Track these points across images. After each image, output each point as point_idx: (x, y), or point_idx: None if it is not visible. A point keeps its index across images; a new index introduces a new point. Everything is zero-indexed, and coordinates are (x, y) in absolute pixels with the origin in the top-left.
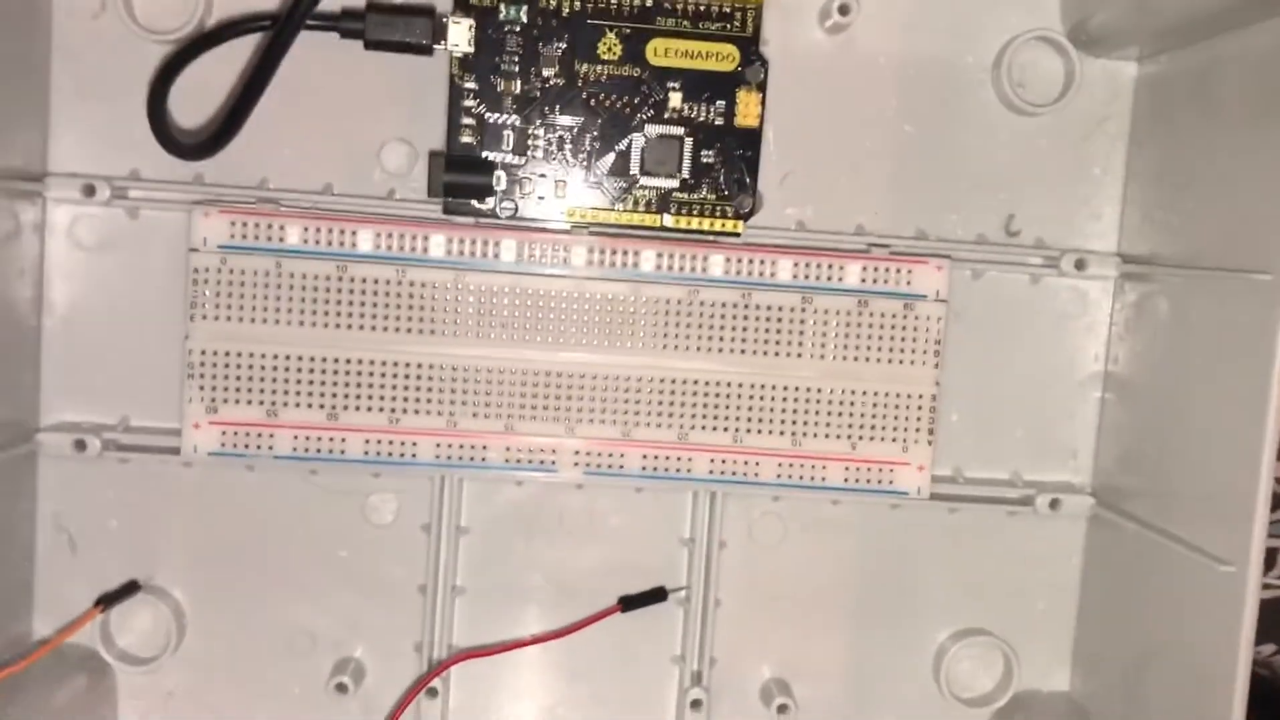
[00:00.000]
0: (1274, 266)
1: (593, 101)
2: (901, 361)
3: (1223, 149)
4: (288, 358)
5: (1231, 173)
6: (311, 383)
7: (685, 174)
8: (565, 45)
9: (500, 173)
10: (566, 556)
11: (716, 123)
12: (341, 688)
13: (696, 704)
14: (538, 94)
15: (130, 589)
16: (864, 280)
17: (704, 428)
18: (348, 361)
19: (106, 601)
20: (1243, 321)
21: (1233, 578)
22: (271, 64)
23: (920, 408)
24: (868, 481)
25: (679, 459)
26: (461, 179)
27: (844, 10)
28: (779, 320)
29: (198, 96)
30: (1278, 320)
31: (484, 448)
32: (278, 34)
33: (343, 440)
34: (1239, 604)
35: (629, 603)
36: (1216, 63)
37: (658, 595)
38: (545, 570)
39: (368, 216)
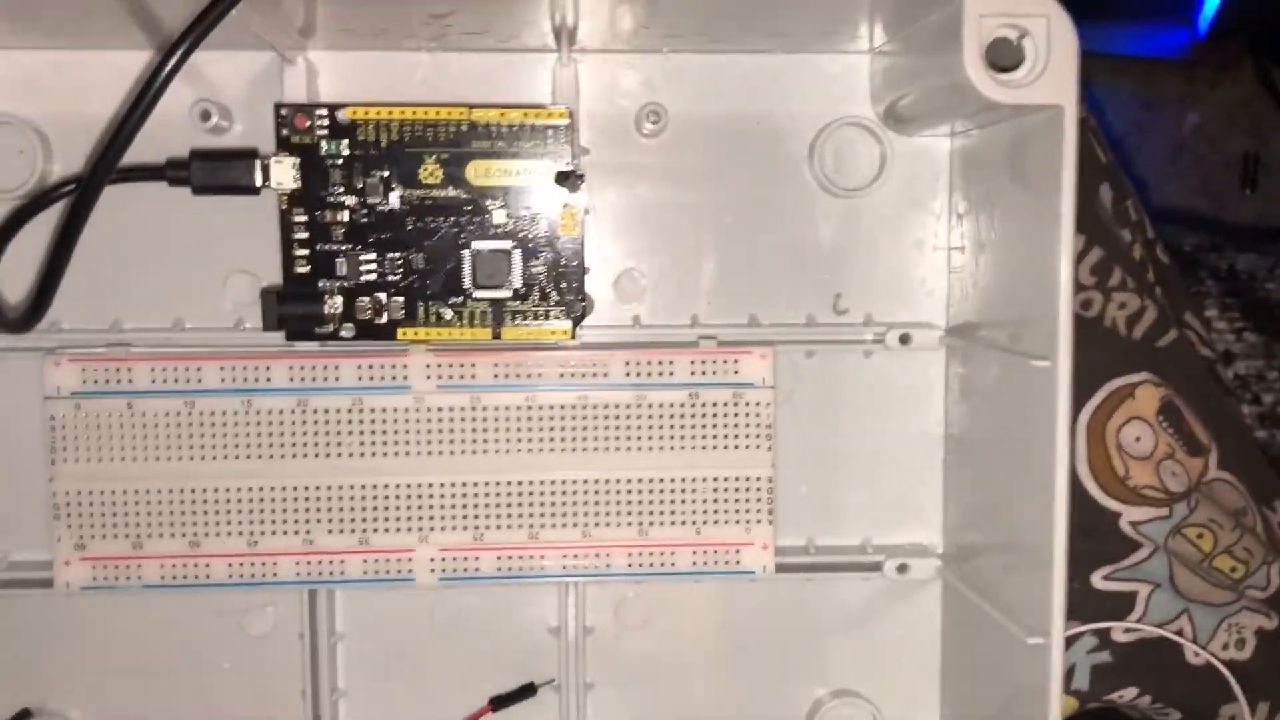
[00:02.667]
0: (1050, 353)
1: (420, 224)
2: (736, 447)
3: (1022, 222)
4: (147, 492)
5: (1027, 246)
6: (172, 514)
7: (517, 284)
8: (388, 173)
9: (336, 298)
10: (442, 652)
11: (541, 234)
12: None
13: None
14: (366, 220)
15: (22, 716)
16: (693, 373)
17: (554, 525)
18: (204, 491)
19: None
20: (1034, 401)
21: (1040, 650)
22: (75, 226)
23: (759, 489)
24: (715, 564)
25: (532, 557)
26: (295, 310)
27: (655, 118)
28: (616, 417)
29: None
30: (1054, 404)
31: (342, 562)
32: (79, 197)
33: (207, 565)
34: (1045, 673)
35: (499, 702)
36: (1021, 137)
37: (527, 691)
38: (422, 667)
39: (214, 352)
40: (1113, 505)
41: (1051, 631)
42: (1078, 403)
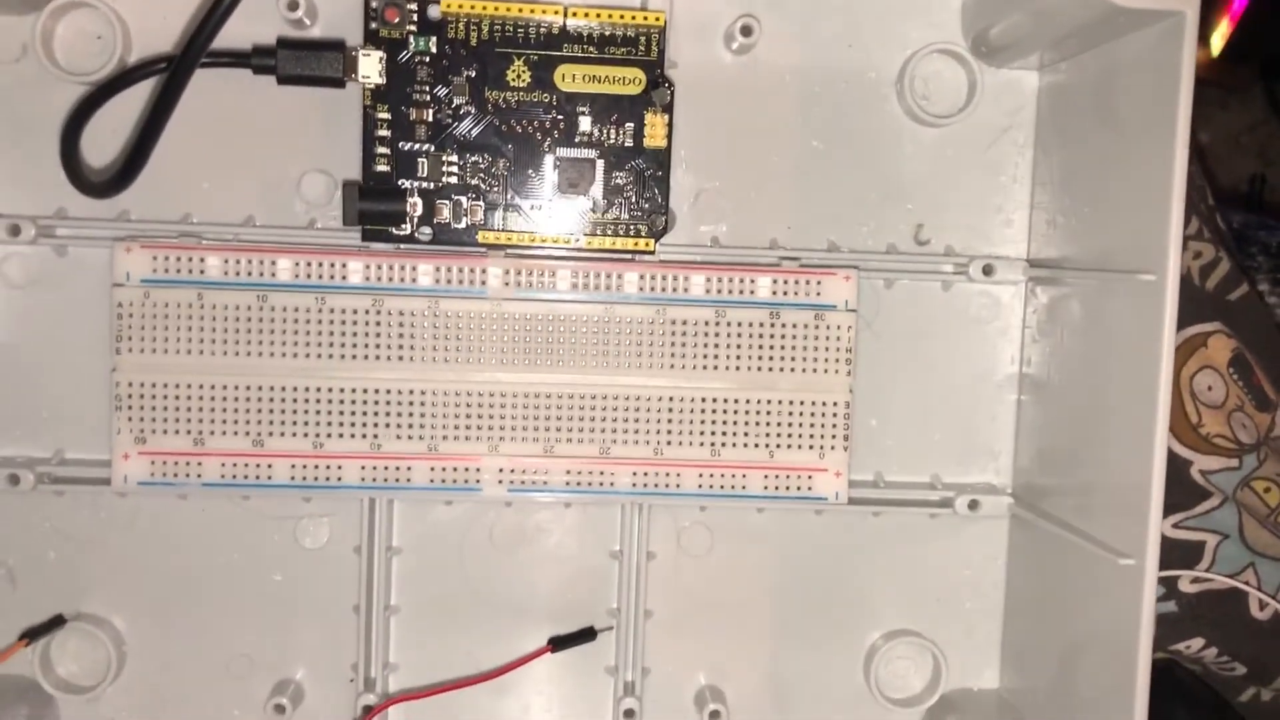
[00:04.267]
0: (1157, 267)
1: (504, 127)
2: (814, 370)
3: (1114, 153)
4: (212, 387)
5: (1122, 176)
6: (236, 411)
7: (598, 195)
8: (475, 73)
9: (415, 199)
10: (498, 572)
11: (626, 144)
12: (280, 709)
13: (630, 714)
14: (450, 121)
15: (56, 622)
16: (775, 293)
17: (625, 441)
18: (271, 389)
19: (32, 635)
20: (1133, 321)
21: (1132, 570)
22: (167, 104)
23: (835, 415)
24: (787, 489)
25: (602, 474)
26: (375, 207)
27: (747, 31)
28: (694, 334)
29: (120, 136)
30: (1162, 319)
31: (409, 469)
32: (171, 75)
33: (269, 466)
34: (1138, 596)
35: (559, 643)
36: (1112, 68)
37: (587, 635)
38: (478, 586)
39: (287, 246)
40: (1185, 453)
41: (1146, 552)
42: None
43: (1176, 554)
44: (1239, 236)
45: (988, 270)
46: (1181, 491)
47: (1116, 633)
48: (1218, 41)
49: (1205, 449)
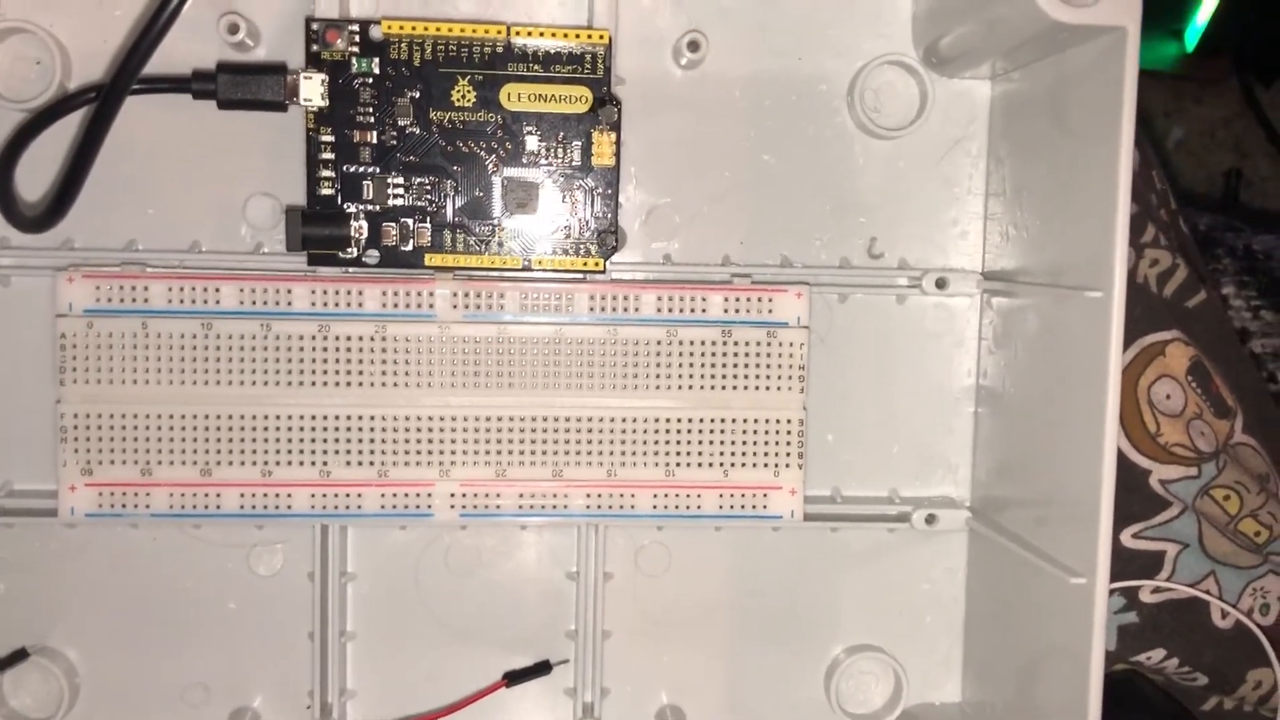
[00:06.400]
0: (1104, 284)
1: (450, 148)
2: (768, 388)
3: (1064, 165)
4: (159, 416)
5: (1071, 188)
6: (184, 440)
7: (547, 215)
8: (419, 94)
9: (361, 222)
10: (454, 596)
11: (574, 163)
12: None
13: None
14: (395, 143)
15: (19, 656)
16: (727, 310)
17: (578, 463)
18: (218, 418)
19: None
20: (1083, 337)
21: (1083, 589)
22: (97, 134)
23: (789, 432)
24: (742, 507)
25: (555, 496)
26: (319, 232)
27: (694, 46)
28: (646, 354)
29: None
30: (1109, 337)
31: (359, 496)
32: (101, 104)
33: (218, 495)
34: (1089, 613)
35: (513, 677)
36: (1062, 79)
37: (542, 669)
38: (435, 610)
39: (232, 273)
40: (1144, 462)
41: (1096, 571)
42: None
43: (1136, 564)
44: (1206, 239)
45: (941, 283)
46: (1140, 501)
47: (1071, 648)
48: (1193, 36)
49: (1164, 458)
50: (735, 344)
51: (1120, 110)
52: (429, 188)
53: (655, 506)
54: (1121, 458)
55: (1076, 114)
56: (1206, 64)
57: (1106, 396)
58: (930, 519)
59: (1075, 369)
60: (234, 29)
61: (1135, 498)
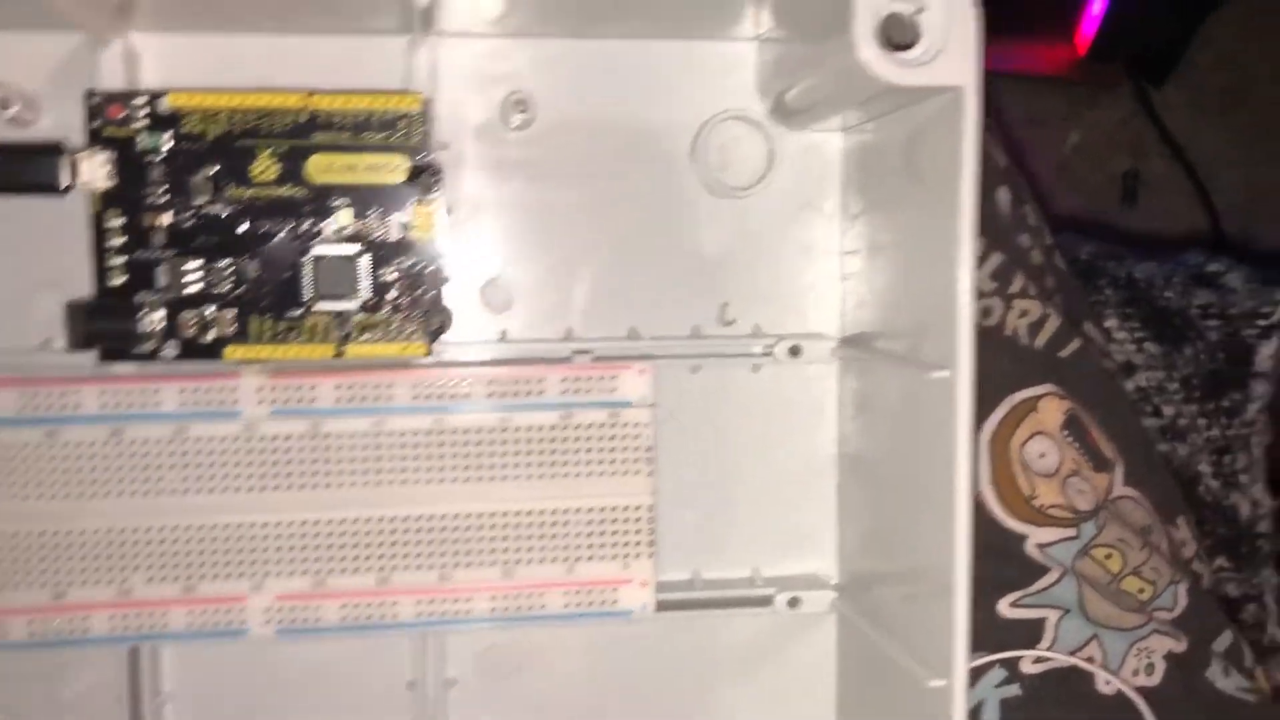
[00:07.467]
0: (952, 362)
1: (253, 227)
2: (613, 473)
3: (916, 224)
4: None
5: (924, 249)
6: None
7: (365, 294)
8: (216, 169)
9: (157, 313)
10: (281, 713)
11: (393, 238)
12: None
13: None
14: (190, 224)
15: None
16: (565, 391)
17: (406, 568)
18: (1, 535)
19: None
20: (935, 413)
21: (941, 693)
22: None
23: (639, 519)
24: (589, 605)
25: (382, 604)
26: (108, 326)
27: (521, 106)
28: (477, 443)
29: None
30: (956, 420)
31: (164, 614)
32: None
33: (4, 622)
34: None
35: None
36: (914, 130)
37: None
38: None
39: (11, 376)
40: (1019, 527)
41: (954, 672)
42: (979, 418)
43: (1016, 634)
44: (1088, 269)
45: (795, 351)
46: (1017, 568)
47: None
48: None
49: (1040, 521)
50: (576, 427)
51: (959, 174)
52: (230, 272)
53: (494, 610)
54: (995, 524)
55: (929, 169)
56: (1100, 67)
57: (956, 486)
58: (794, 602)
59: (928, 443)
60: (5, 104)
61: (1012, 564)
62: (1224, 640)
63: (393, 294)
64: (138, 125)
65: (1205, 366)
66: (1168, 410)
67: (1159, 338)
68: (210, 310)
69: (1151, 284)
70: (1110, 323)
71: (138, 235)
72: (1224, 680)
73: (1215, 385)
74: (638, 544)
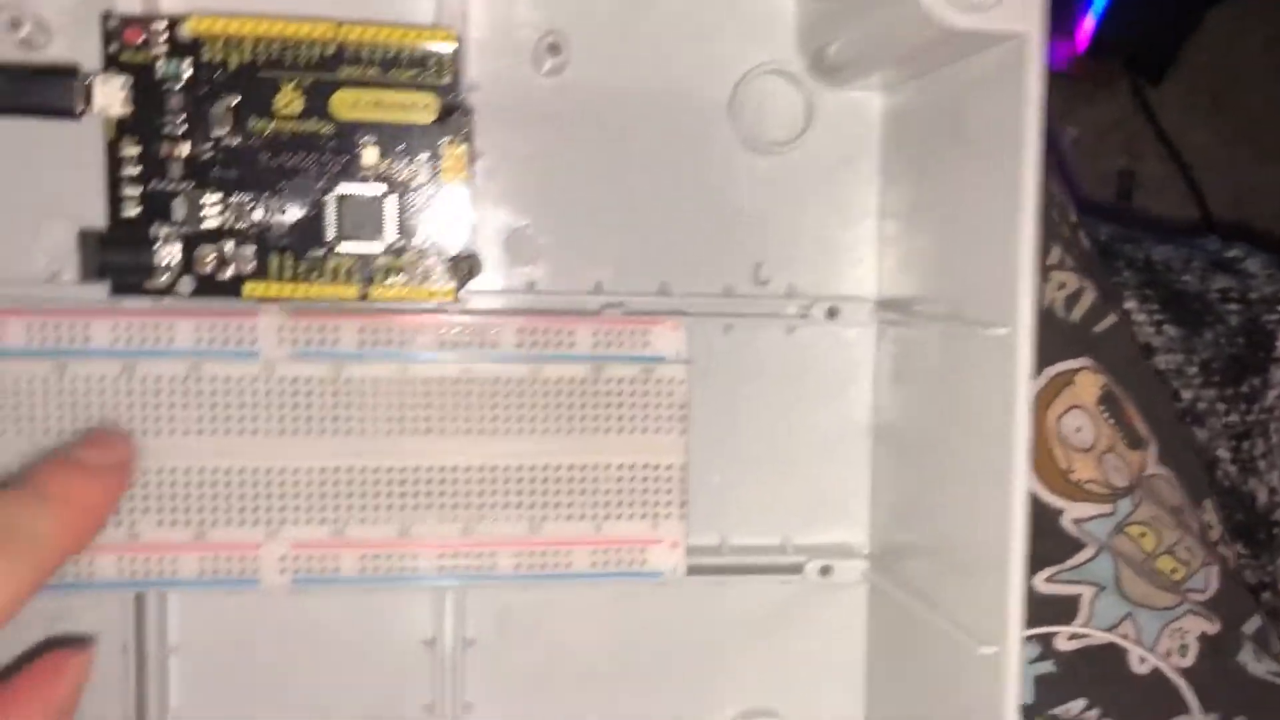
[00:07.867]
0: (1008, 320)
1: (274, 162)
2: (645, 430)
3: (962, 186)
4: None
5: (971, 211)
6: None
7: (390, 237)
8: (238, 100)
9: (173, 247)
10: (295, 668)
11: (420, 179)
12: None
13: None
14: (209, 156)
15: None
16: (597, 344)
17: (428, 520)
18: (4, 473)
19: None
20: (987, 375)
21: (993, 660)
22: None
23: (669, 479)
24: (617, 564)
25: (403, 556)
26: (120, 258)
27: (555, 50)
28: (505, 394)
29: None
30: (1014, 380)
31: (174, 560)
32: None
33: None
34: (1001, 687)
35: None
36: (958, 92)
37: None
38: (272, 685)
39: (20, 306)
40: (1056, 501)
41: (1007, 639)
42: None
43: (1051, 610)
44: (1105, 251)
45: (832, 313)
46: (1054, 543)
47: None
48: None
49: (1077, 496)
50: (607, 381)
51: (1022, 126)
52: (250, 207)
53: (518, 566)
54: (1033, 498)
55: (976, 129)
56: (1097, 65)
57: (1013, 449)
58: (825, 570)
59: (979, 408)
60: (16, 24)
61: (1048, 539)
62: (1253, 624)
63: (419, 237)
64: (156, 51)
65: (1225, 351)
66: (1186, 394)
67: (1178, 320)
68: (229, 246)
69: (1170, 267)
70: (1130, 304)
71: (154, 166)
72: (1255, 665)
73: (1235, 370)
74: (669, 504)
